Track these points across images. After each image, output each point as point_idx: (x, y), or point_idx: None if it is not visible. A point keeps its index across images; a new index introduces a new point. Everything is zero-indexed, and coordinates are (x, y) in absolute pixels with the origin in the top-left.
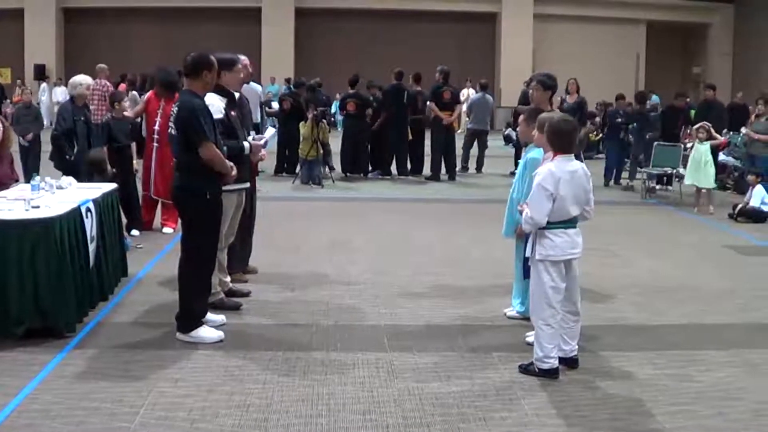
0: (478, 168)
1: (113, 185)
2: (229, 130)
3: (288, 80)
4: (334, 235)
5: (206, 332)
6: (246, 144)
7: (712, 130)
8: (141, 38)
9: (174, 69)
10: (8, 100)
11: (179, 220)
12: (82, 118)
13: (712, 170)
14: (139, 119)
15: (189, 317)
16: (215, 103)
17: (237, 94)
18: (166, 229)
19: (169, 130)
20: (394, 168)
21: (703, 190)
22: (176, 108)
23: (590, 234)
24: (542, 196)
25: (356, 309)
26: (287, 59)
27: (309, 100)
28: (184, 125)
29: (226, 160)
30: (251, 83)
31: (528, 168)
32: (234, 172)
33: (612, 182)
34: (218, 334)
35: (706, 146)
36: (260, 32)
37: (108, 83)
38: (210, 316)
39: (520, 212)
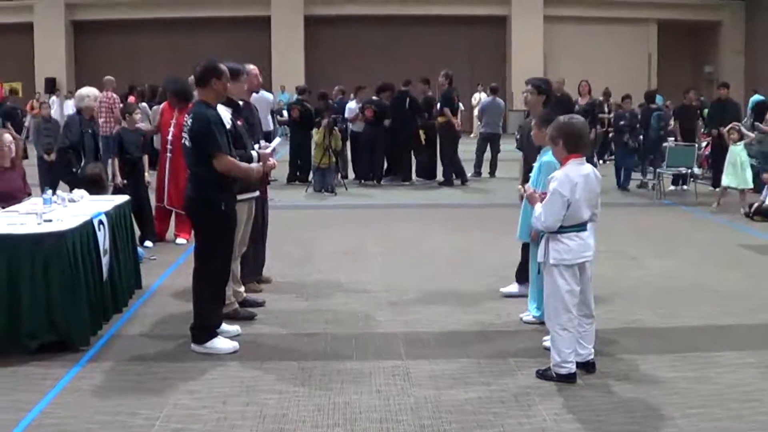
0: (492, 172)
1: (125, 197)
2: (236, 140)
3: (299, 89)
4: (347, 242)
5: (221, 343)
6: (254, 153)
7: (743, 129)
8: (150, 50)
9: (185, 79)
10: (27, 116)
11: (192, 231)
12: (90, 131)
13: (749, 170)
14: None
15: (204, 328)
16: (221, 114)
17: (242, 103)
18: (180, 240)
19: (183, 141)
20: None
21: (744, 191)
22: (189, 119)
23: (604, 236)
24: (558, 202)
25: (370, 317)
26: (297, 67)
27: (321, 107)
28: (197, 137)
29: (243, 164)
30: (261, 92)
31: (542, 171)
32: (258, 168)
33: (622, 183)
34: (233, 345)
35: (740, 147)
36: (270, 40)
37: (115, 95)
38: (224, 326)
39: (528, 199)
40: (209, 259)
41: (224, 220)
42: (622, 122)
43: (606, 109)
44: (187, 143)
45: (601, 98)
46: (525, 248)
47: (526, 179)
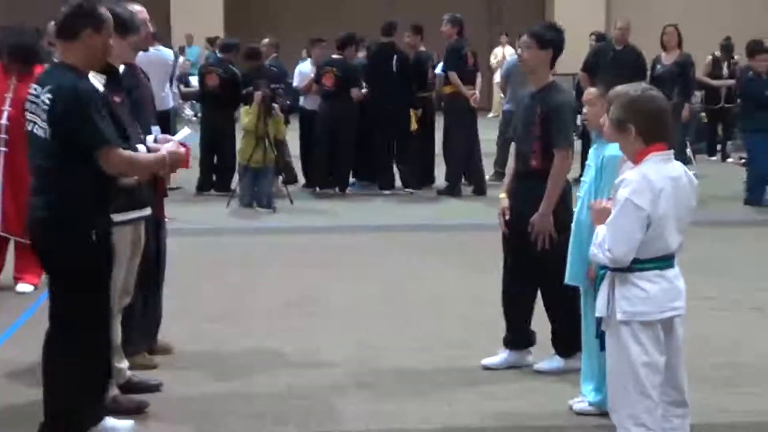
0: None
1: None
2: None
3: (211, 42)
4: (294, 289)
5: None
6: (141, 148)
7: None
8: None
9: (30, 30)
10: None
11: (44, 273)
12: None
13: None
14: None
15: (67, 427)
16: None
17: (123, 68)
18: (23, 287)
19: (29, 127)
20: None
21: None
22: (46, 94)
23: (711, 273)
24: (632, 219)
25: (330, 406)
26: (213, 9)
27: (252, 72)
28: (65, 123)
29: (144, 155)
30: (156, 48)
31: (606, 172)
32: (165, 158)
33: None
34: None
35: None
36: None
37: None
38: (110, 423)
39: (593, 216)
40: (74, 319)
41: (98, 257)
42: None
43: (725, 71)
44: (40, 133)
45: (717, 54)
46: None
47: (514, 188)
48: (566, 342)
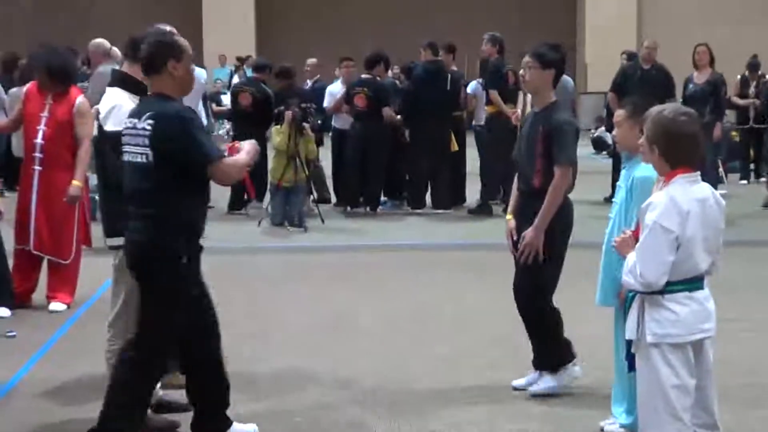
0: None
1: None
2: None
3: (241, 61)
4: (325, 308)
5: None
6: None
7: None
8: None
9: (66, 49)
10: None
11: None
12: None
13: None
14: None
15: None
16: (123, 105)
17: None
18: (55, 305)
19: (126, 158)
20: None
21: None
22: (148, 120)
23: (737, 294)
24: (661, 242)
25: (360, 424)
26: (245, 29)
27: (284, 91)
28: (172, 144)
29: (238, 157)
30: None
31: (636, 193)
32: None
33: None
34: None
35: None
36: None
37: None
38: None
39: (618, 250)
40: (156, 343)
41: (186, 278)
42: None
43: (752, 89)
44: (140, 159)
45: (745, 74)
46: None
47: (519, 208)
48: (549, 358)
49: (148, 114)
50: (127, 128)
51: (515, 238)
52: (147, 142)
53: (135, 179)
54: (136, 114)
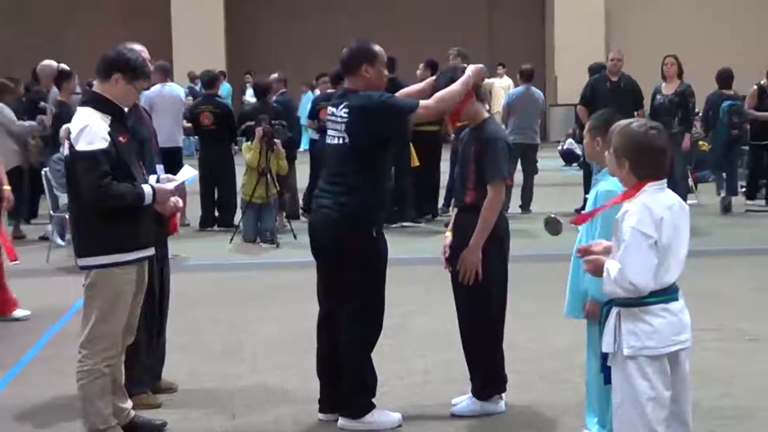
0: (525, 205)
1: None
2: (118, 166)
3: (204, 78)
4: (298, 323)
5: (384, 416)
6: (147, 189)
7: None
8: None
9: None
10: None
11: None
12: None
13: None
14: None
15: (365, 392)
16: (94, 124)
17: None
18: (19, 312)
19: (329, 140)
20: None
21: None
22: (344, 109)
23: (702, 303)
24: (644, 247)
25: None
26: (214, 44)
27: (257, 107)
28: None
29: (449, 89)
30: (167, 85)
31: (598, 205)
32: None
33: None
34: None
35: None
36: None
37: None
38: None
39: (588, 266)
40: (372, 294)
41: (376, 249)
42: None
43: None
44: (338, 141)
45: (763, 82)
46: None
47: (455, 224)
48: (484, 384)
49: (344, 104)
50: (328, 116)
51: (446, 254)
52: (343, 128)
53: (334, 162)
54: (334, 104)
